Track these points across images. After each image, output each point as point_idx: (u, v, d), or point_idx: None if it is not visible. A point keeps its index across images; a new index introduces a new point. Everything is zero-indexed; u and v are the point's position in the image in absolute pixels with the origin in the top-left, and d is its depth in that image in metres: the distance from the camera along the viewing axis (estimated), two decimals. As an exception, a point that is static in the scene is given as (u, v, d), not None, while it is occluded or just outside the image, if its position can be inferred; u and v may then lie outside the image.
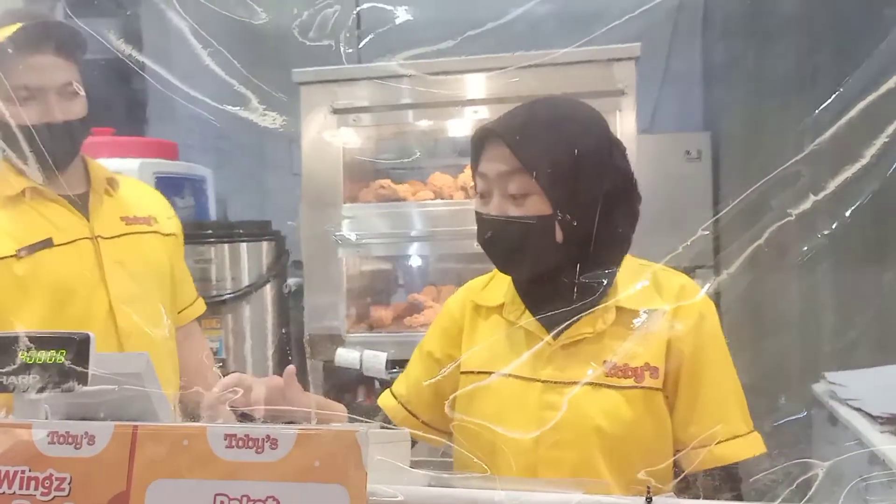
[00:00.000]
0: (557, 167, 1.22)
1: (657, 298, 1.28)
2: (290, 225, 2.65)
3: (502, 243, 1.28)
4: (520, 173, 1.23)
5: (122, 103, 3.58)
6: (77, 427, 0.80)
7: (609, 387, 1.25)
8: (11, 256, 1.62)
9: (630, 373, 1.25)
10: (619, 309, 1.28)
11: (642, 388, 1.25)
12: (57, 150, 1.65)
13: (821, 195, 0.69)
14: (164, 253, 1.87)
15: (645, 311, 1.27)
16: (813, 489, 0.62)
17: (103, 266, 1.72)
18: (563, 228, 1.24)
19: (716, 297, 1.32)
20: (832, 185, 0.69)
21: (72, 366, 0.85)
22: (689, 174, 3.61)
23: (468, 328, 1.41)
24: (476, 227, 1.32)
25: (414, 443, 1.33)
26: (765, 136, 3.06)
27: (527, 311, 1.33)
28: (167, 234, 1.89)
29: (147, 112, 4.13)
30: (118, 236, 1.77)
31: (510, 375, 1.29)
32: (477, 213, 1.31)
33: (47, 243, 1.66)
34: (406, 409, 1.46)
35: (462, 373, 1.37)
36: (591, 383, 1.25)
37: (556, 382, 1.27)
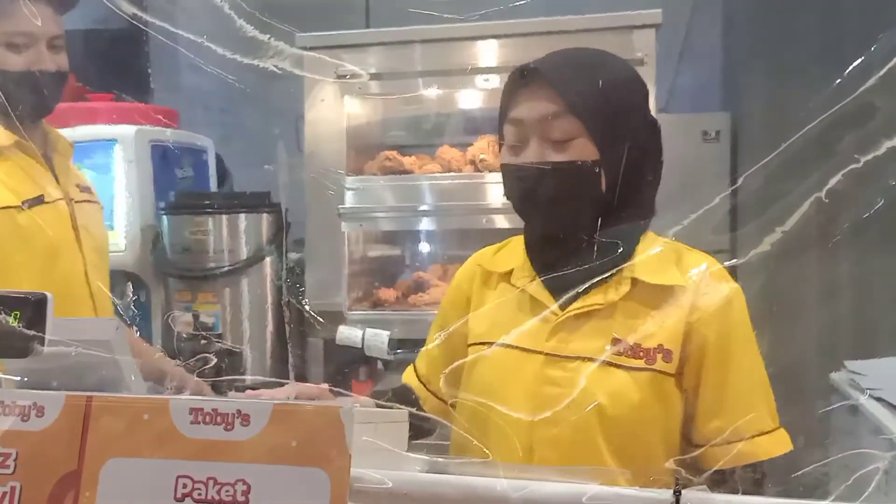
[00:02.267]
0: (606, 109, 1.14)
1: (677, 275, 1.18)
2: (267, 169, 2.52)
3: (542, 193, 1.17)
4: (564, 115, 1.14)
5: (126, 74, 3.50)
6: (24, 396, 0.70)
7: (617, 366, 1.15)
8: (15, 207, 1.58)
9: (641, 353, 1.15)
10: (634, 281, 1.18)
11: (652, 370, 1.15)
12: (41, 100, 1.63)
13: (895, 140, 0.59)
14: (103, 225, 1.87)
15: (664, 287, 1.17)
16: (873, 484, 0.52)
17: (78, 228, 1.68)
18: (607, 176, 1.16)
19: (731, 274, 1.23)
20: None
21: (25, 329, 0.76)
22: (706, 155, 3.50)
23: (476, 299, 1.32)
24: (503, 181, 1.22)
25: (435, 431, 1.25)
26: (786, 117, 2.95)
27: (536, 278, 1.23)
28: (102, 208, 1.88)
29: (151, 84, 4.05)
30: (80, 202, 1.75)
31: (510, 346, 1.20)
32: (505, 165, 1.20)
33: (40, 199, 1.63)
34: (427, 388, 1.38)
35: (469, 345, 1.28)
36: (595, 360, 1.16)
37: (558, 356, 1.18)
